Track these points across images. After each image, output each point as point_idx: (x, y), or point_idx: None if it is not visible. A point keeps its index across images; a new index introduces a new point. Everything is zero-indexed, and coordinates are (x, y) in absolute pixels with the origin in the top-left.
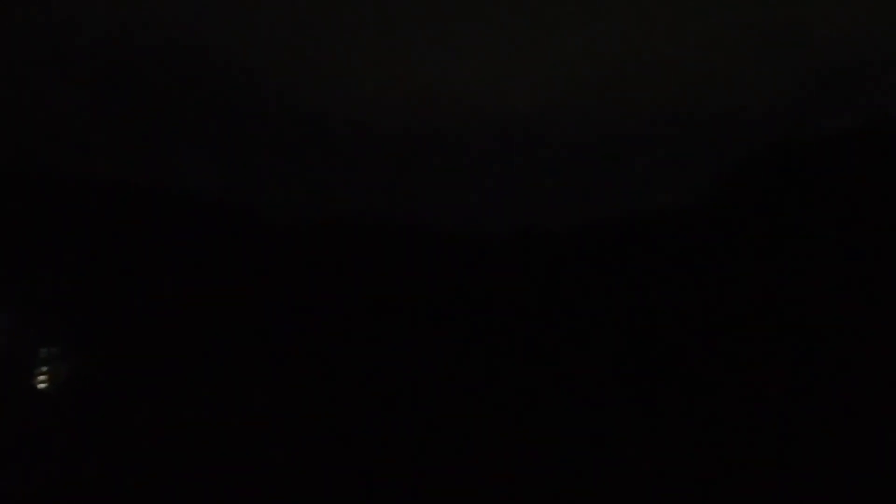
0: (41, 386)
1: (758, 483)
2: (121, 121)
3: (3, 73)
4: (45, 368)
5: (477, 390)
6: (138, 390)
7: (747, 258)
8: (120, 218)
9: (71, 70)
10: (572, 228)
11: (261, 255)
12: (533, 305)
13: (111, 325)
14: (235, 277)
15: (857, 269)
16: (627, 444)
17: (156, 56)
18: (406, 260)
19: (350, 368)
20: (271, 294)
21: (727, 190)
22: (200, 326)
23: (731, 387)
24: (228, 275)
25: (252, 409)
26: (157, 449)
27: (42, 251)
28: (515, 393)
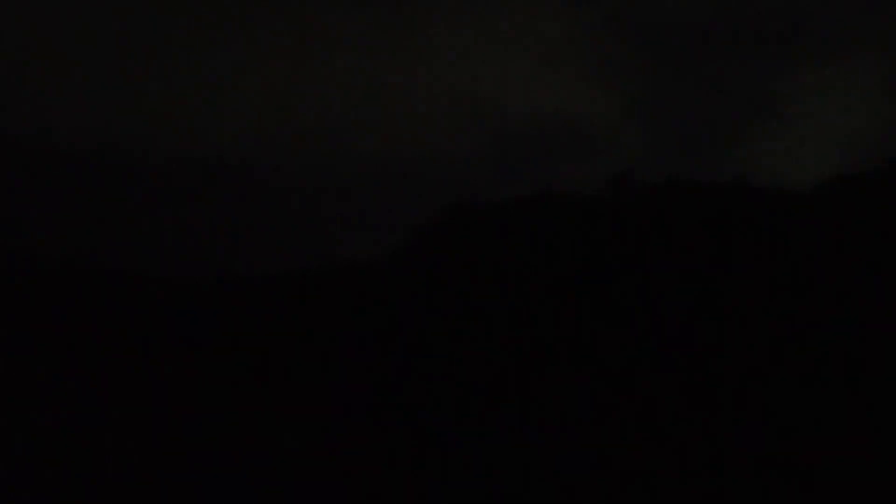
0: None
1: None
2: None
3: None
4: None
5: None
6: None
7: (428, 313)
8: None
9: None
10: (271, 275)
11: None
12: (230, 350)
13: None
14: None
15: (521, 330)
16: None
17: None
18: (100, 302)
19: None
20: None
21: (413, 245)
22: None
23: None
24: None
25: None
26: None
27: None
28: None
